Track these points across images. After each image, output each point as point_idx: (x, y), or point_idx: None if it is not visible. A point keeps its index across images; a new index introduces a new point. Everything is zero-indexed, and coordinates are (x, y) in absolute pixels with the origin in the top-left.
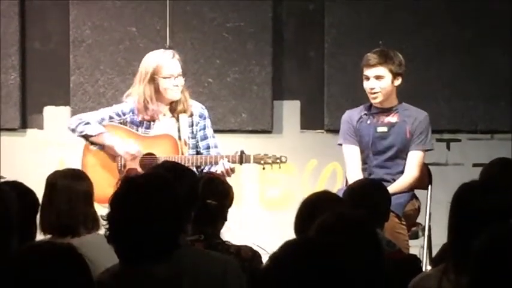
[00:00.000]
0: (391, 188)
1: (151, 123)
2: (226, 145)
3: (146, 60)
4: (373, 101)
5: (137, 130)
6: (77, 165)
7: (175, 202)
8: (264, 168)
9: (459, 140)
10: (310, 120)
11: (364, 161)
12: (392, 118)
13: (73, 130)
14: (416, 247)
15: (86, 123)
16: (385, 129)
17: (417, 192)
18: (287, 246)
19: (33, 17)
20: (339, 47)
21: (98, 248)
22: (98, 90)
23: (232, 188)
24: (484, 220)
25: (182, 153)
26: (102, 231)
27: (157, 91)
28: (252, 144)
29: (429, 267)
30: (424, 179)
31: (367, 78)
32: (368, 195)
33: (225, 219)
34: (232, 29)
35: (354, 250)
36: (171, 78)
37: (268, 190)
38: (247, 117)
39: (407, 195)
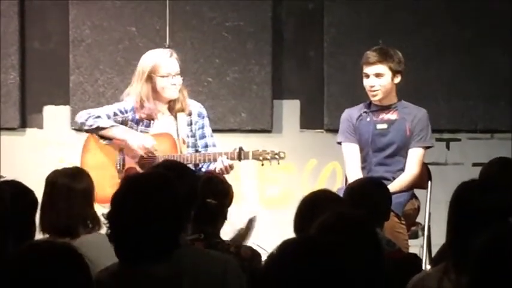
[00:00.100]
0: (392, 186)
1: (151, 121)
2: (226, 144)
3: (144, 59)
4: (372, 99)
5: (137, 129)
6: (76, 164)
7: (176, 202)
8: (262, 165)
9: (459, 140)
10: (310, 120)
11: (364, 159)
12: (392, 115)
13: (82, 124)
14: (416, 247)
15: (96, 117)
16: (384, 126)
17: (417, 191)
18: (287, 245)
19: (32, 17)
20: (338, 47)
21: (98, 248)
22: (97, 89)
23: (232, 187)
24: (483, 219)
25: (181, 152)
26: (104, 230)
27: (154, 90)
28: (252, 143)
29: (429, 267)
30: (424, 178)
31: (367, 76)
32: (368, 194)
33: (225, 219)
34: (232, 29)
35: (354, 250)
36: (169, 77)
37: (267, 189)
38: (246, 116)
39: (407, 195)
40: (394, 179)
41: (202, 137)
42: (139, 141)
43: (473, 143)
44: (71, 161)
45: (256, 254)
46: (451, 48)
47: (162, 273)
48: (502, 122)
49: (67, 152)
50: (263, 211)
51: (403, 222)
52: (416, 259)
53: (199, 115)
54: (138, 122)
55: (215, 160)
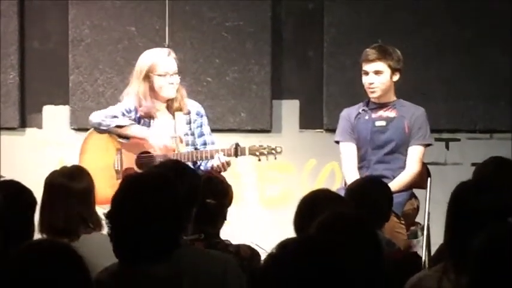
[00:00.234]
0: (393, 185)
1: (151, 120)
2: (225, 144)
3: (142, 58)
4: (371, 95)
5: None
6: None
7: (175, 201)
8: (259, 160)
9: (458, 140)
10: (309, 120)
11: (363, 157)
12: (390, 113)
13: (99, 123)
14: (414, 247)
15: (113, 117)
16: (383, 123)
17: (416, 191)
18: (287, 245)
19: (32, 17)
20: (338, 47)
21: (98, 248)
22: (97, 89)
23: (232, 187)
24: (479, 220)
25: (178, 151)
26: (105, 230)
27: (152, 89)
28: (251, 143)
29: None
30: (424, 178)
31: (366, 73)
32: (367, 194)
33: (225, 219)
34: (232, 29)
35: (353, 249)
36: (166, 76)
37: (267, 189)
38: (246, 116)
39: (406, 194)
40: (394, 177)
41: (201, 135)
42: (160, 140)
43: (472, 143)
44: (70, 160)
45: (255, 254)
46: (451, 48)
47: (162, 273)
48: (501, 122)
49: (66, 152)
50: (263, 211)
51: (403, 222)
52: (416, 258)
53: (198, 114)
54: (139, 121)
55: (212, 157)
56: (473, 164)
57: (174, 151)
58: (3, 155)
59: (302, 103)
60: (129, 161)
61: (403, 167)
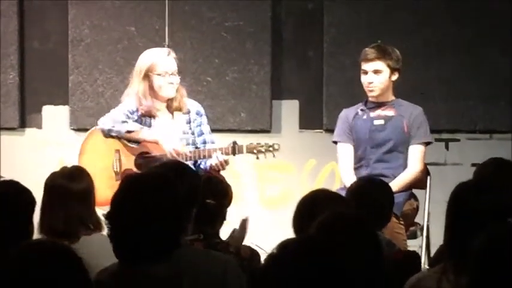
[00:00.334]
0: (395, 184)
1: (152, 121)
2: (225, 145)
3: (142, 58)
4: (369, 94)
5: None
6: (75, 163)
7: (175, 201)
8: (257, 158)
9: (458, 140)
10: (309, 120)
11: (362, 157)
12: (388, 112)
13: (109, 130)
14: (414, 247)
15: (122, 122)
16: (381, 122)
17: (416, 191)
18: (287, 245)
19: (32, 17)
20: (338, 47)
21: (98, 250)
22: (96, 89)
23: (231, 188)
24: (479, 220)
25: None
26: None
27: (151, 88)
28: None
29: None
30: (423, 178)
31: (365, 73)
32: (367, 194)
33: (224, 219)
34: (231, 29)
35: (353, 249)
36: (165, 76)
37: (267, 189)
38: (246, 116)
39: (405, 195)
40: (394, 176)
41: (201, 134)
42: (171, 144)
43: (472, 143)
44: (70, 160)
45: (255, 254)
46: (451, 48)
47: (162, 273)
48: (501, 122)
49: (66, 152)
50: (262, 211)
51: (402, 222)
52: (416, 257)
53: (198, 113)
54: (141, 122)
55: (210, 156)
56: (473, 165)
57: (185, 155)
58: (2, 155)
59: (302, 103)
60: (128, 162)
61: (402, 166)
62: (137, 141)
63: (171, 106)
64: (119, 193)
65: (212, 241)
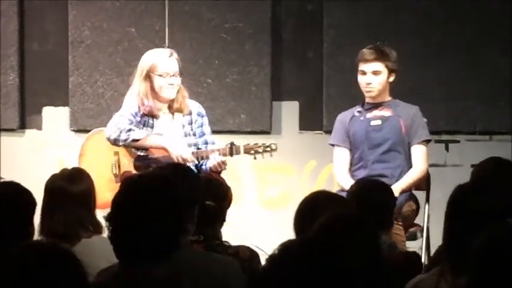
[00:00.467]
0: (402, 184)
1: (154, 120)
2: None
3: (144, 58)
4: (367, 95)
5: (142, 129)
6: (75, 165)
7: (175, 202)
8: (255, 158)
9: (458, 141)
10: (309, 121)
11: (360, 158)
12: (385, 112)
13: (116, 140)
14: (414, 249)
15: (128, 130)
16: (378, 122)
17: (415, 193)
18: (288, 246)
19: (32, 18)
20: (337, 48)
21: (98, 252)
22: (96, 90)
23: (231, 189)
24: (477, 221)
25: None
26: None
27: (153, 89)
28: None
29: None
30: (424, 180)
31: (364, 73)
32: (367, 196)
33: (224, 220)
34: (231, 30)
35: (354, 250)
36: (166, 77)
37: (267, 190)
38: (246, 118)
39: (405, 196)
40: (393, 176)
41: (202, 135)
42: (179, 150)
43: (472, 144)
44: (70, 162)
45: (254, 255)
46: (451, 48)
47: (162, 273)
48: (501, 123)
49: (66, 153)
50: (262, 212)
51: (400, 223)
52: (416, 258)
53: (199, 114)
54: (144, 124)
55: (207, 158)
56: (472, 166)
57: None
58: (3, 156)
59: (302, 104)
60: (127, 164)
61: (400, 166)
62: (145, 149)
63: (172, 107)
64: (119, 194)
65: (212, 243)
